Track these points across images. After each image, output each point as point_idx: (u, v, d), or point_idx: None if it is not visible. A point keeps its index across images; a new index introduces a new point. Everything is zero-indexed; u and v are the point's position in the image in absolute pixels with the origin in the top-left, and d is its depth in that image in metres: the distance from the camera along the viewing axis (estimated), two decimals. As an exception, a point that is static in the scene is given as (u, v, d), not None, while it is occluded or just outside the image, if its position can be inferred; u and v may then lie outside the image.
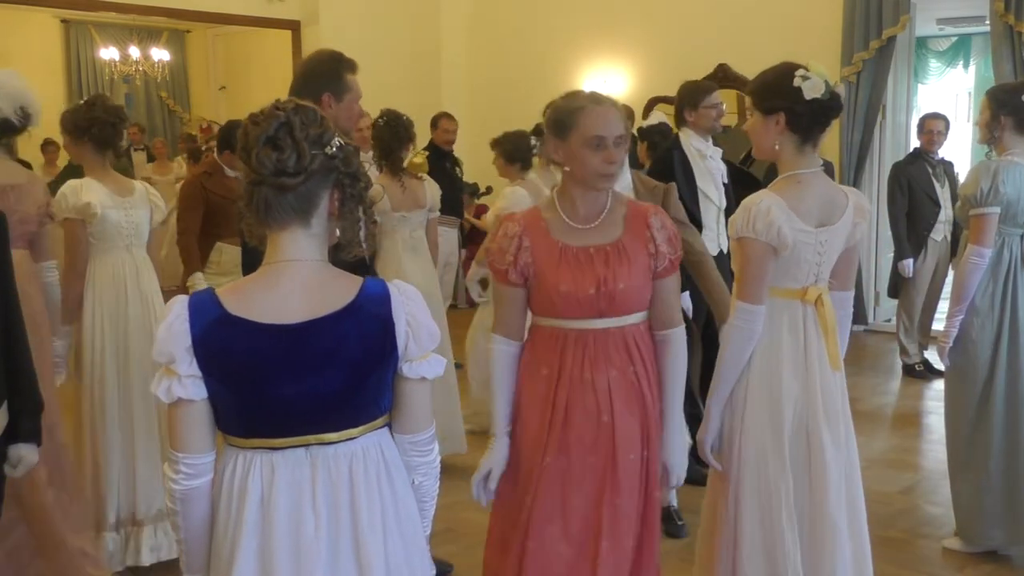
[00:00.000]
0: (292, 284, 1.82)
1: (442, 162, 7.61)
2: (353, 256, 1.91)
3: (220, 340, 1.77)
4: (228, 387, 1.79)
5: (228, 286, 1.85)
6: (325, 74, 3.18)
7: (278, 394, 1.80)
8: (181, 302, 1.81)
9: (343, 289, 1.84)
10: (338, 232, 1.87)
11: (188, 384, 1.78)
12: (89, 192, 3.73)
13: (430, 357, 1.91)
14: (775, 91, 2.66)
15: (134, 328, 3.81)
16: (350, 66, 3.20)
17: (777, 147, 2.68)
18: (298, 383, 1.80)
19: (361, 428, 1.88)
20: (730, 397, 2.73)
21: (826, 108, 2.64)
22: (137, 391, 3.77)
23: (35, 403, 2.56)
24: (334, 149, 1.82)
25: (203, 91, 13.19)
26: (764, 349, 2.69)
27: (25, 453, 2.52)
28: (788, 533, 2.66)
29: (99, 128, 3.73)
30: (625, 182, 3.81)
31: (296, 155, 1.77)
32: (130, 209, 3.85)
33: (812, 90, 2.60)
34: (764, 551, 2.68)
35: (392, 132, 4.81)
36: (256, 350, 1.78)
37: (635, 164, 7.17)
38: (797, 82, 2.61)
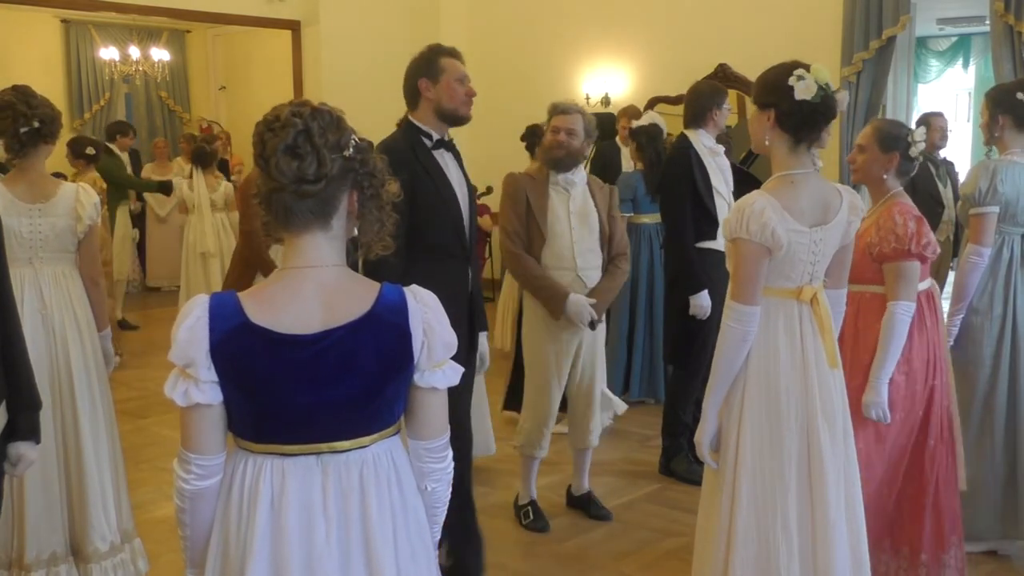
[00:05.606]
0: (312, 292, 1.79)
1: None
2: (375, 255, 1.89)
3: (239, 348, 1.75)
4: (243, 393, 1.78)
5: (250, 291, 1.83)
6: (418, 62, 3.40)
7: (293, 403, 1.78)
8: (202, 303, 1.78)
9: (360, 297, 1.81)
10: (356, 231, 1.85)
11: (206, 389, 1.76)
12: None
13: (445, 366, 1.88)
14: (771, 87, 2.67)
15: (32, 355, 3.15)
16: (447, 51, 3.39)
17: (767, 142, 2.69)
18: (314, 393, 1.78)
19: (373, 436, 1.86)
20: (728, 398, 2.72)
21: (815, 111, 2.62)
22: None
23: (33, 401, 2.56)
24: (351, 151, 1.79)
25: (203, 91, 13.18)
26: (761, 349, 2.68)
27: (24, 451, 2.52)
28: (783, 537, 2.65)
29: None
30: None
31: (316, 162, 1.74)
32: (38, 217, 3.37)
33: (803, 91, 2.59)
34: (757, 553, 2.67)
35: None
36: (275, 360, 1.76)
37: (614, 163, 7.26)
38: (792, 81, 2.60)
